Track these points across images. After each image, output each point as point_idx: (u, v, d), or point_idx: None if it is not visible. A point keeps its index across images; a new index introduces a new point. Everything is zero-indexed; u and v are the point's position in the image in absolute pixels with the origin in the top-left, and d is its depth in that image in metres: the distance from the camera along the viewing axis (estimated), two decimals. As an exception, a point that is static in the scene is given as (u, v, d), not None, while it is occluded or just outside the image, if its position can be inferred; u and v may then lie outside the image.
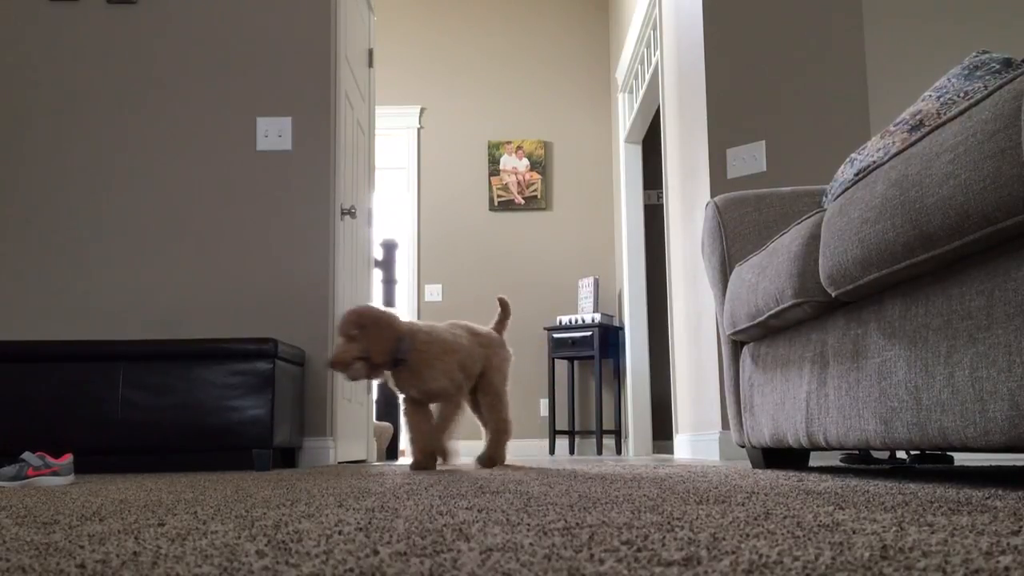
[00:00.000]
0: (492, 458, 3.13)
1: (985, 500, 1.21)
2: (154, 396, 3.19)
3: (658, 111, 6.90)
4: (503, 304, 3.34)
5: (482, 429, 3.24)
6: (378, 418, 5.74)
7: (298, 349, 3.59)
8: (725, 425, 3.69)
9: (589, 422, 6.92)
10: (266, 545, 0.81)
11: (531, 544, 0.78)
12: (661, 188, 7.07)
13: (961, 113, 1.39)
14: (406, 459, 5.99)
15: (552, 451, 6.55)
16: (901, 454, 3.39)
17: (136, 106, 3.90)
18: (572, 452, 6.78)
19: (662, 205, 6.76)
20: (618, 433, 6.78)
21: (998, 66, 1.84)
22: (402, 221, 7.39)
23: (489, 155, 7.22)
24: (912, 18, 3.87)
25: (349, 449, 4.09)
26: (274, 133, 3.87)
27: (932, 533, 0.82)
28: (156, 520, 1.10)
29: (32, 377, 3.18)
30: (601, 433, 6.35)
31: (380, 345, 2.85)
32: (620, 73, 6.53)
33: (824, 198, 2.38)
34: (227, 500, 1.47)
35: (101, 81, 3.91)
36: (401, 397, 3.12)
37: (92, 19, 3.95)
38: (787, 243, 2.12)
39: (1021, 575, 0.57)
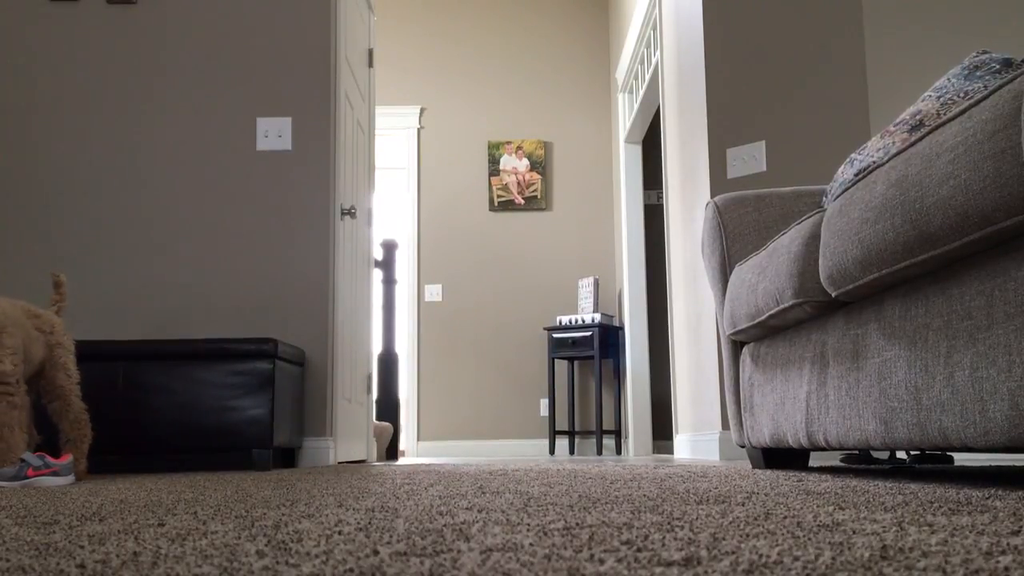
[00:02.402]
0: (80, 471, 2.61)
1: (985, 500, 1.21)
2: (154, 396, 3.19)
3: (658, 111, 6.90)
4: (58, 284, 2.75)
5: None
6: (378, 418, 5.75)
7: (298, 349, 3.59)
8: (725, 425, 3.69)
9: (589, 422, 6.92)
10: (266, 545, 0.81)
11: (531, 544, 0.78)
12: (661, 188, 7.07)
13: (961, 113, 1.39)
14: (407, 459, 5.99)
15: (552, 451, 6.55)
16: (901, 454, 3.39)
17: (136, 106, 3.90)
18: (572, 452, 6.79)
19: (662, 205, 6.75)
20: (618, 433, 6.78)
21: (998, 66, 1.84)
22: (402, 221, 7.39)
23: (489, 155, 7.22)
24: (912, 18, 3.87)
25: (349, 449, 4.09)
26: (274, 133, 3.87)
27: (932, 533, 0.82)
28: (156, 520, 1.10)
29: (32, 377, 3.18)
30: (601, 433, 6.35)
31: None
32: (620, 73, 6.53)
33: (824, 198, 2.38)
34: (227, 500, 1.47)
35: (101, 81, 3.91)
36: None
37: (92, 19, 3.95)
38: (787, 243, 2.12)
39: (1021, 575, 0.57)
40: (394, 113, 7.27)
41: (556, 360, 6.92)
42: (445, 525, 0.97)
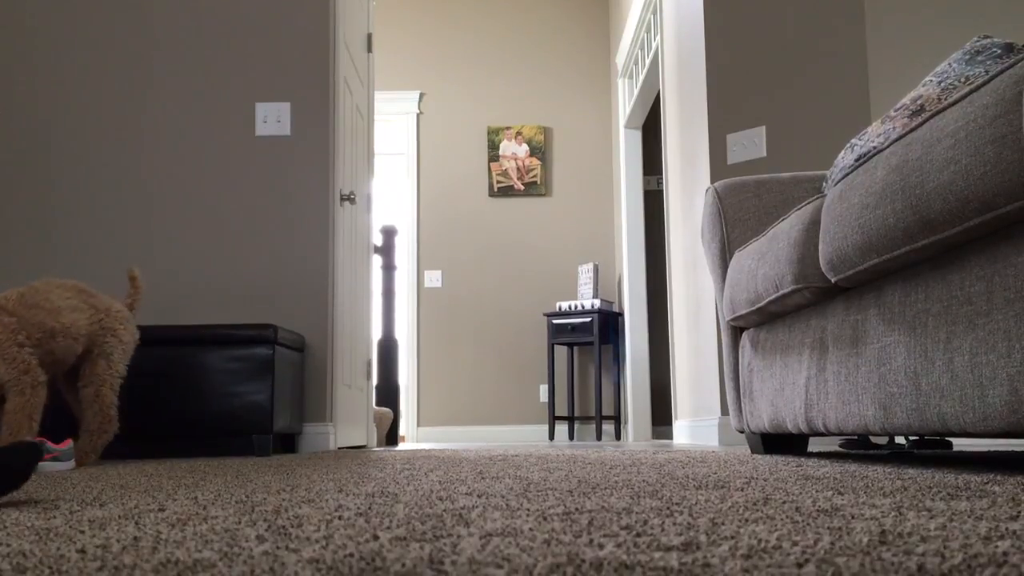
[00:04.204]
0: (81, 455, 2.61)
1: (984, 485, 1.21)
2: (154, 382, 3.19)
3: (658, 96, 6.88)
4: (132, 278, 2.82)
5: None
6: (378, 404, 5.75)
7: (298, 335, 3.59)
8: (724, 411, 3.70)
9: (588, 408, 6.93)
10: (266, 530, 0.81)
11: (531, 529, 0.78)
12: (661, 174, 7.06)
13: (962, 98, 1.38)
14: (407, 445, 6.00)
15: (551, 437, 6.56)
16: (900, 439, 3.40)
17: (134, 92, 3.89)
18: (571, 438, 6.80)
19: (662, 191, 6.74)
20: (617, 419, 6.79)
21: (999, 51, 1.84)
22: (401, 207, 7.38)
23: (489, 141, 7.20)
24: (913, 3, 3.85)
25: (349, 435, 4.10)
26: (273, 118, 3.86)
27: (931, 518, 0.82)
28: (156, 505, 1.10)
29: (32, 363, 3.18)
30: (600, 419, 6.37)
31: None
32: (620, 58, 6.51)
33: (824, 184, 2.38)
34: (227, 485, 1.47)
35: (98, 67, 3.90)
36: None
37: (90, 6, 3.93)
38: (787, 229, 2.12)
39: (1020, 559, 0.57)
40: (393, 98, 7.24)
41: (556, 346, 6.92)
42: (445, 510, 0.97)
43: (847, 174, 1.76)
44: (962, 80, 1.85)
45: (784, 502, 1.01)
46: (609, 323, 6.58)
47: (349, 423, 4.11)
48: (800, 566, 0.57)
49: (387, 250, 5.98)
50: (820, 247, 1.87)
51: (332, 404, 3.76)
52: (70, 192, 3.82)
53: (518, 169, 7.16)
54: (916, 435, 2.01)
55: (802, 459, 2.21)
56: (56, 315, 2.54)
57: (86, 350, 2.66)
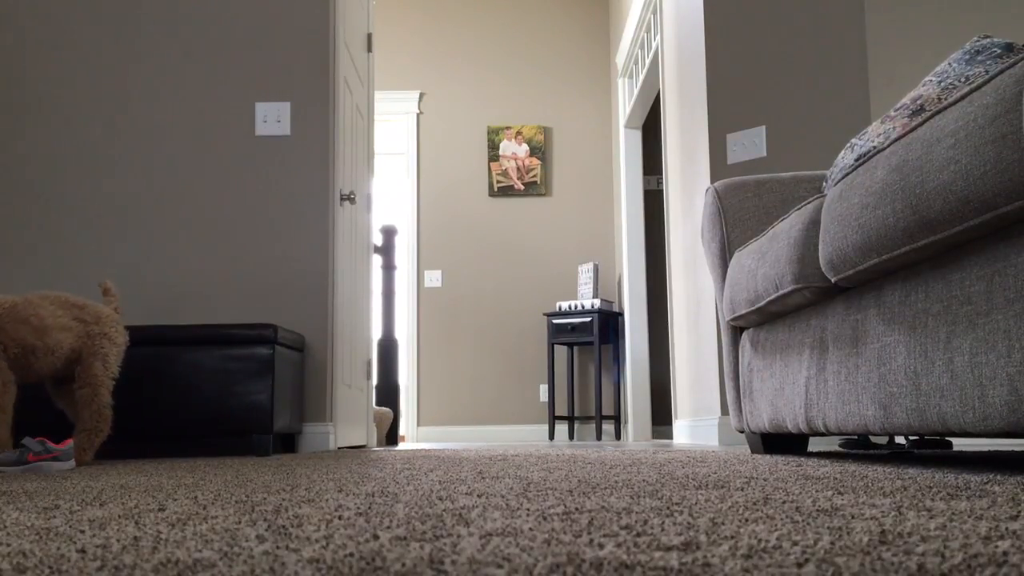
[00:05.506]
0: (79, 452, 2.66)
1: (984, 485, 1.21)
2: (154, 382, 3.19)
3: (658, 96, 6.88)
4: (106, 291, 2.93)
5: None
6: (378, 404, 5.76)
7: (298, 335, 3.59)
8: (724, 410, 3.70)
9: (588, 408, 6.93)
10: (266, 530, 0.81)
11: (531, 529, 0.78)
12: (661, 174, 7.06)
13: (962, 98, 1.38)
14: (407, 445, 6.00)
15: (551, 436, 6.56)
16: (900, 439, 3.40)
17: (134, 91, 3.89)
18: (571, 437, 6.80)
19: (662, 191, 6.74)
20: (617, 418, 6.79)
21: (999, 51, 1.83)
22: (401, 207, 7.38)
23: (489, 140, 7.20)
24: (913, 2, 3.85)
25: (349, 435, 4.10)
26: (273, 118, 3.86)
27: (931, 518, 0.82)
28: (156, 505, 1.10)
29: (32, 363, 3.18)
30: (600, 418, 6.37)
31: None
32: (620, 58, 6.51)
33: (824, 183, 2.37)
34: (227, 485, 1.47)
35: (98, 66, 3.90)
36: None
37: (88, 4, 3.93)
38: (787, 228, 2.12)
39: (1020, 559, 0.57)
40: (393, 98, 7.24)
41: (556, 346, 6.92)
42: (445, 510, 0.97)
43: (847, 174, 1.76)
44: (962, 80, 1.85)
45: (784, 502, 1.01)
46: (609, 323, 6.58)
47: (349, 423, 4.11)
48: (800, 566, 0.57)
49: (387, 250, 5.98)
50: (820, 247, 1.87)
51: (332, 404, 3.76)
52: (69, 193, 3.82)
53: (518, 169, 7.16)
54: (916, 435, 2.01)
55: (802, 459, 2.21)
56: (42, 334, 2.57)
57: (80, 355, 2.70)
